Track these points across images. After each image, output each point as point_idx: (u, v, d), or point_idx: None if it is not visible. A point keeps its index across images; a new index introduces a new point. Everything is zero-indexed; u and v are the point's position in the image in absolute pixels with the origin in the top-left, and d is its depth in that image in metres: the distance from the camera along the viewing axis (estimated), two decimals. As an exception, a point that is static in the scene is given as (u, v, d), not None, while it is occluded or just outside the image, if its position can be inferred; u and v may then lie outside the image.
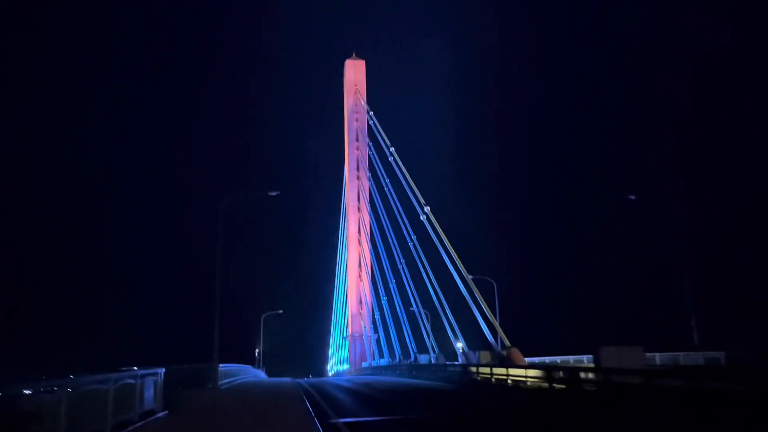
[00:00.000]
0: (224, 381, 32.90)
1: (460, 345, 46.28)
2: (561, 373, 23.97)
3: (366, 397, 26.43)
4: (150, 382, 15.07)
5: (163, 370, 16.53)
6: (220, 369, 31.33)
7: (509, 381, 28.42)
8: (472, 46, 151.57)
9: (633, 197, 42.38)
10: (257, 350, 75.66)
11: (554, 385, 23.75)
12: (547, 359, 47.02)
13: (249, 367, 52.36)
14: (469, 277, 38.34)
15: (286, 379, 52.74)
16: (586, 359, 45.24)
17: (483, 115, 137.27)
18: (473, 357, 37.21)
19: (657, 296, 61.21)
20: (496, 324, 35.45)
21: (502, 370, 29.68)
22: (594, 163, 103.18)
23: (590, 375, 22.93)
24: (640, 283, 67.38)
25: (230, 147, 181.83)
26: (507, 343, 33.52)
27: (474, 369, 33.44)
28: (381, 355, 62.04)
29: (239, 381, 38.48)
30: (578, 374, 22.50)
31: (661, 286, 59.78)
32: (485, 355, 35.04)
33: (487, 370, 31.54)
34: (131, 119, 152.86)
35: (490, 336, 35.75)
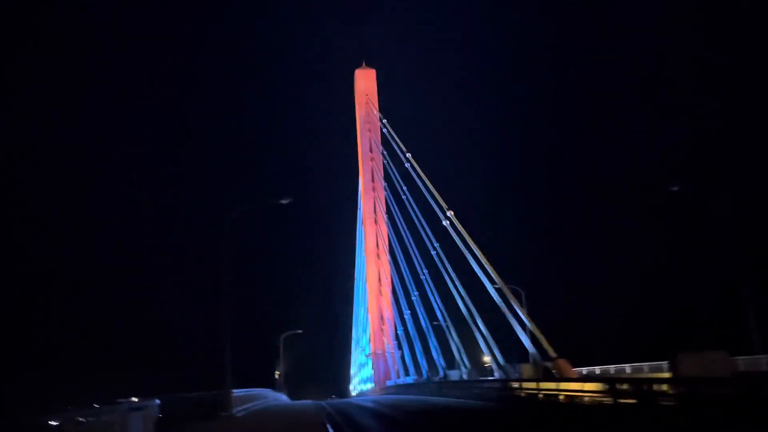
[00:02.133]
0: (240, 408, 29.90)
1: (487, 359, 42.78)
2: (627, 386, 20.60)
3: (401, 424, 23.19)
4: (138, 418, 11.97)
5: (157, 401, 13.43)
6: (234, 395, 28.33)
7: (561, 397, 25.00)
8: (498, 41, 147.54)
9: (676, 188, 39.11)
10: (277, 373, 72.51)
11: (619, 400, 20.39)
12: (588, 369, 43.34)
13: (268, 390, 49.26)
14: (502, 284, 35.14)
15: (308, 402, 49.60)
16: (629, 368, 41.61)
17: (507, 113, 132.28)
18: (512, 371, 33.87)
19: (704, 298, 57.27)
20: (539, 333, 31.93)
21: (552, 385, 26.25)
22: (634, 156, 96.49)
23: (663, 387, 19.49)
24: (684, 284, 63.21)
25: (242, 163, 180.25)
26: (552, 353, 30.07)
27: (515, 384, 29.99)
28: (407, 373, 58.77)
29: (257, 407, 35.39)
30: (652, 386, 19.12)
31: (706, 287, 55.94)
32: (527, 369, 31.70)
33: (532, 385, 28.10)
34: (138, 133, 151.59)
35: (531, 347, 32.23)
